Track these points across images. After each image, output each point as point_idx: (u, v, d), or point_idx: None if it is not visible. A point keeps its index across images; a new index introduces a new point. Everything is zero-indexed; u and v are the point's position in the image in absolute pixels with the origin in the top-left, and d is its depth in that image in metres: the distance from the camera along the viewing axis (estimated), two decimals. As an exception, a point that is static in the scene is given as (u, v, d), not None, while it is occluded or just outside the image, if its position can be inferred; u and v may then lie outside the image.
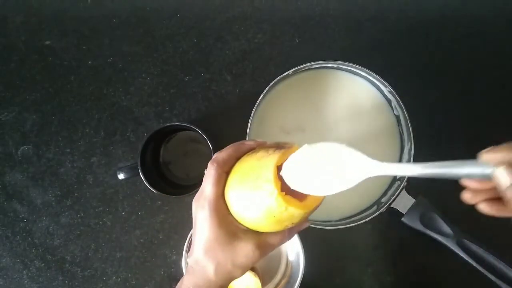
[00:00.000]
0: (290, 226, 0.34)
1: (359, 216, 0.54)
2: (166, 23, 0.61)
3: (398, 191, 0.52)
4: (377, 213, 0.52)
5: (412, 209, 0.53)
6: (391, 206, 0.53)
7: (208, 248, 0.34)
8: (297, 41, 0.61)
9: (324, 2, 0.61)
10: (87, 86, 0.61)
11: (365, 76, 0.54)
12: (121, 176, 0.53)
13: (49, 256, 0.59)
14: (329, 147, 0.33)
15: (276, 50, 0.60)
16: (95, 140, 0.60)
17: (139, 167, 0.51)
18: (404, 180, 0.52)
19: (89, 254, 0.59)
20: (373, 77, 0.53)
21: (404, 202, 0.53)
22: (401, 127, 0.55)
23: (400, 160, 0.56)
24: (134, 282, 0.59)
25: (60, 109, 0.60)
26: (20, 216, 0.60)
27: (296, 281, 0.53)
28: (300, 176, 0.32)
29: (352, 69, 0.54)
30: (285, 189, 0.32)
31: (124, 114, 0.60)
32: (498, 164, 0.27)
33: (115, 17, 0.61)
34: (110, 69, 0.61)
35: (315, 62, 0.52)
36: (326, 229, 0.52)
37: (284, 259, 0.58)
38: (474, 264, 0.50)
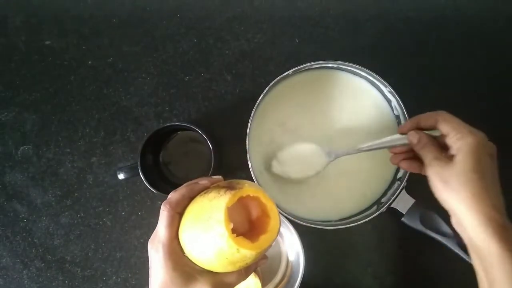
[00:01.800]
0: (244, 266, 0.34)
1: (359, 216, 0.54)
2: (166, 23, 0.61)
3: (398, 191, 0.52)
4: (377, 213, 0.52)
5: (412, 209, 0.53)
6: (391, 206, 0.53)
7: None
8: (297, 41, 0.61)
9: (324, 2, 0.61)
10: (87, 86, 0.61)
11: (365, 76, 0.54)
12: (121, 176, 0.53)
13: (49, 256, 0.59)
14: (301, 146, 0.52)
15: (276, 50, 0.60)
16: (95, 140, 0.60)
17: (139, 167, 0.51)
18: (404, 180, 0.52)
19: (89, 254, 0.59)
20: (373, 77, 0.53)
21: (404, 202, 0.53)
22: (401, 127, 0.55)
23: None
24: (134, 282, 0.59)
25: (60, 109, 0.60)
26: (20, 216, 0.60)
27: (296, 281, 0.53)
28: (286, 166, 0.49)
29: (352, 69, 0.54)
30: (237, 230, 0.32)
31: (124, 114, 0.60)
32: (408, 132, 0.43)
33: (115, 17, 0.61)
34: (110, 69, 0.61)
35: (315, 62, 0.52)
36: (326, 229, 0.52)
37: (284, 259, 0.58)
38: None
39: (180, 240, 0.35)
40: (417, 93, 0.58)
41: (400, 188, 0.52)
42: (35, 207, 0.60)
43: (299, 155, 0.52)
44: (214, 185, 0.37)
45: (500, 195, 0.37)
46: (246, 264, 0.34)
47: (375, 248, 0.59)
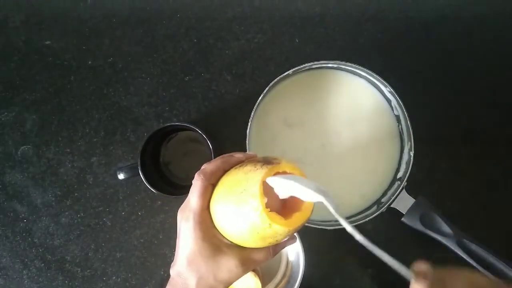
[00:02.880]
0: (274, 243, 0.34)
1: (359, 216, 0.54)
2: (166, 23, 0.61)
3: (398, 191, 0.52)
4: (377, 213, 0.52)
5: (412, 209, 0.53)
6: (391, 206, 0.53)
7: (191, 261, 0.34)
8: (297, 41, 0.61)
9: (324, 2, 0.61)
10: (87, 86, 0.61)
11: (365, 76, 0.54)
12: (121, 176, 0.53)
13: (49, 256, 0.59)
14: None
15: (276, 50, 0.60)
16: (95, 140, 0.60)
17: (139, 167, 0.51)
18: (404, 180, 0.52)
19: (89, 254, 0.59)
20: (373, 77, 0.53)
21: (404, 202, 0.53)
22: (401, 127, 0.55)
23: (400, 160, 0.56)
24: (134, 282, 0.59)
25: (60, 109, 0.60)
26: (20, 216, 0.60)
27: (296, 281, 0.53)
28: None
29: (352, 69, 0.54)
30: (270, 206, 0.32)
31: (124, 114, 0.60)
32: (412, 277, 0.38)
33: (115, 17, 0.61)
34: (110, 69, 0.61)
35: (315, 62, 0.52)
36: (326, 229, 0.52)
37: (284, 259, 0.58)
38: (474, 264, 0.50)
39: (211, 212, 0.35)
40: (417, 93, 0.59)
41: (400, 188, 0.52)
42: (35, 207, 0.60)
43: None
44: (249, 159, 0.36)
45: None
46: (277, 241, 0.33)
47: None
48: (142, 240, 0.59)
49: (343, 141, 0.56)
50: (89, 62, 0.61)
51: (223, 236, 0.35)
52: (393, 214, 0.54)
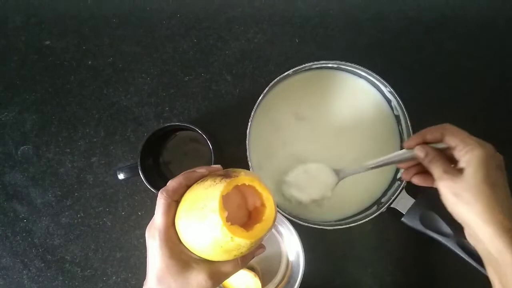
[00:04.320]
0: (240, 255, 0.34)
1: (359, 216, 0.54)
2: (166, 23, 0.61)
3: (398, 191, 0.52)
4: (377, 213, 0.52)
5: (412, 209, 0.53)
6: (391, 206, 0.53)
7: (160, 278, 0.34)
8: (297, 41, 0.61)
9: (324, 2, 0.61)
10: (87, 86, 0.61)
11: (365, 76, 0.54)
12: (121, 176, 0.53)
13: (49, 256, 0.59)
14: (309, 167, 0.52)
15: (276, 50, 0.60)
16: (95, 140, 0.60)
17: (139, 167, 0.51)
18: (404, 180, 0.52)
19: (89, 254, 0.59)
20: (373, 77, 0.53)
21: (404, 202, 0.53)
22: (401, 127, 0.55)
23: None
24: (134, 282, 0.59)
25: (60, 109, 0.60)
26: (20, 216, 0.60)
27: (296, 281, 0.53)
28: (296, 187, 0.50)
29: (352, 69, 0.54)
30: (232, 218, 0.32)
31: (124, 114, 0.60)
32: (415, 147, 0.42)
33: (115, 17, 0.61)
34: (110, 69, 0.61)
35: (315, 62, 0.52)
36: (326, 229, 0.52)
37: (284, 259, 0.58)
38: (474, 264, 0.50)
39: (177, 228, 0.35)
40: (417, 93, 0.59)
41: (400, 188, 0.52)
42: (35, 207, 0.60)
43: (307, 177, 0.51)
44: (211, 173, 0.36)
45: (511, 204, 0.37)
46: (242, 253, 0.34)
47: (375, 248, 0.59)
48: (142, 240, 0.59)
49: (343, 141, 0.56)
50: (89, 62, 0.61)
51: (191, 252, 0.35)
52: (393, 214, 0.54)
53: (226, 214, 0.32)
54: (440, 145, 0.41)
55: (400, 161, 0.45)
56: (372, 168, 0.47)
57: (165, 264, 0.34)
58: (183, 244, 0.35)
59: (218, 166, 0.38)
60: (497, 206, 0.35)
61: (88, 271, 0.59)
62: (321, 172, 0.51)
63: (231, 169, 0.36)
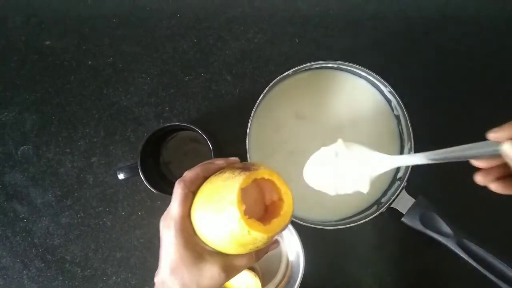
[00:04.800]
0: (255, 249, 0.34)
1: (359, 216, 0.54)
2: (166, 23, 0.61)
3: (398, 191, 0.52)
4: (377, 213, 0.52)
5: (412, 209, 0.53)
6: (391, 206, 0.53)
7: (174, 269, 0.34)
8: (297, 41, 0.61)
9: (324, 2, 0.61)
10: (87, 86, 0.61)
11: (365, 76, 0.54)
12: (121, 176, 0.53)
13: (49, 256, 0.59)
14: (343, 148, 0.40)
15: (276, 50, 0.60)
16: (95, 140, 0.60)
17: (139, 167, 0.51)
18: (404, 180, 0.52)
19: (89, 254, 0.59)
20: (373, 77, 0.53)
21: (404, 202, 0.53)
22: (401, 127, 0.55)
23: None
24: (134, 282, 0.59)
25: (60, 109, 0.60)
26: (20, 216, 0.60)
27: (296, 281, 0.53)
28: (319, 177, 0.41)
29: (352, 69, 0.54)
30: (250, 212, 0.32)
31: (124, 114, 0.60)
32: (505, 140, 0.28)
33: (115, 17, 0.61)
34: (110, 69, 0.61)
35: (315, 62, 0.52)
36: (326, 229, 0.52)
37: (284, 259, 0.58)
38: (474, 264, 0.50)
39: (192, 220, 0.35)
40: (417, 93, 0.59)
41: (400, 188, 0.52)
42: (35, 207, 0.60)
43: (343, 162, 0.40)
44: (229, 166, 0.36)
45: None
46: (257, 247, 0.33)
47: (375, 248, 0.59)
48: (142, 240, 0.59)
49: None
50: (89, 62, 0.61)
51: (205, 244, 0.35)
52: (393, 214, 0.54)
53: (244, 207, 0.31)
54: None
55: (478, 156, 0.32)
56: (437, 161, 0.35)
57: (179, 254, 0.34)
58: (198, 236, 0.35)
59: (236, 158, 0.37)
60: None
61: (88, 271, 0.59)
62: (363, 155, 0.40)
63: (249, 162, 0.36)
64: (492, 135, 0.30)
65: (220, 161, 0.37)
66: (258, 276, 0.55)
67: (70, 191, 0.60)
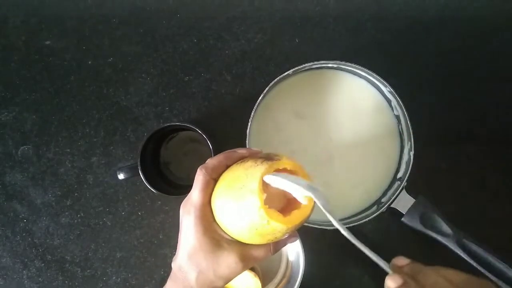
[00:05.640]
0: (273, 240, 0.34)
1: (359, 216, 0.54)
2: (166, 23, 0.61)
3: (398, 191, 0.52)
4: (377, 213, 0.52)
5: (412, 209, 0.53)
6: (391, 206, 0.53)
7: (192, 255, 0.34)
8: (297, 41, 0.61)
9: (324, 2, 0.61)
10: (87, 86, 0.61)
11: (365, 76, 0.54)
12: (121, 176, 0.53)
13: (49, 256, 0.59)
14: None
15: (276, 50, 0.60)
16: (95, 140, 0.60)
17: (139, 167, 0.51)
18: (404, 180, 0.52)
19: (89, 254, 0.59)
20: (373, 77, 0.53)
21: (404, 202, 0.53)
22: (401, 127, 0.55)
23: (400, 160, 0.56)
24: (134, 282, 0.59)
25: (60, 109, 0.60)
26: (20, 216, 0.60)
27: (296, 281, 0.53)
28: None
29: (352, 69, 0.54)
30: (270, 202, 0.31)
31: (124, 114, 0.60)
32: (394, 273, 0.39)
33: (115, 17, 0.61)
34: (110, 69, 0.61)
35: (315, 62, 0.52)
36: (326, 229, 0.52)
37: (284, 259, 0.58)
38: (474, 264, 0.50)
39: (212, 207, 0.35)
40: (417, 93, 0.59)
41: (400, 188, 0.52)
42: (35, 207, 0.60)
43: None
44: (252, 155, 0.36)
45: None
46: (276, 238, 0.33)
47: (375, 248, 0.59)
48: (142, 240, 0.59)
49: (343, 141, 0.56)
50: (89, 62, 0.61)
51: (224, 232, 0.35)
52: (393, 214, 0.54)
53: (265, 196, 0.31)
54: None
55: (378, 264, 0.43)
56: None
57: (197, 241, 0.34)
58: (217, 224, 0.35)
59: (258, 149, 0.37)
60: None
61: (88, 271, 0.59)
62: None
63: (272, 153, 0.36)
64: (392, 265, 0.43)
65: (242, 150, 0.36)
66: (258, 276, 0.55)
67: (70, 191, 0.60)
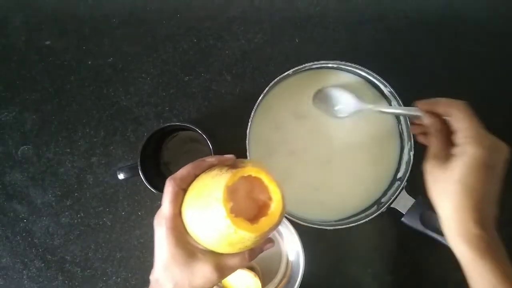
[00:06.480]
0: (244, 248, 0.33)
1: (359, 216, 0.54)
2: (166, 23, 0.61)
3: (398, 191, 0.52)
4: (377, 213, 0.52)
5: (412, 209, 0.53)
6: (391, 206, 0.53)
7: (167, 267, 0.34)
8: (297, 41, 0.61)
9: (324, 2, 0.61)
10: (87, 86, 0.61)
11: (365, 76, 0.54)
12: (121, 176, 0.53)
13: (49, 256, 0.59)
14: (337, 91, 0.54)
15: (276, 50, 0.60)
16: (95, 140, 0.60)
17: (139, 167, 0.51)
18: (404, 180, 0.52)
19: (89, 254, 0.59)
20: (373, 77, 0.53)
21: (404, 202, 0.53)
22: (401, 127, 0.55)
23: (400, 160, 0.56)
24: (134, 282, 0.59)
25: (60, 109, 0.60)
26: (20, 216, 0.60)
27: (296, 281, 0.53)
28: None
29: (352, 69, 0.54)
30: (238, 210, 0.31)
31: (124, 114, 0.60)
32: (425, 111, 0.42)
33: (115, 17, 0.61)
34: (110, 69, 0.61)
35: (315, 62, 0.52)
36: (326, 229, 0.52)
37: (284, 259, 0.58)
38: (474, 264, 0.50)
39: (183, 218, 0.34)
40: (417, 93, 0.58)
41: (400, 188, 0.52)
42: (35, 207, 0.60)
43: (334, 96, 0.54)
44: (220, 163, 0.36)
45: (490, 208, 0.36)
46: (246, 246, 0.33)
47: (375, 248, 0.59)
48: (142, 240, 0.59)
49: (343, 141, 0.56)
50: (89, 62, 0.61)
51: (197, 242, 0.34)
52: (393, 214, 0.54)
53: (230, 205, 0.31)
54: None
55: (409, 115, 0.48)
56: (382, 112, 0.51)
57: (171, 253, 0.34)
58: (189, 234, 0.34)
59: (231, 156, 0.37)
60: (466, 208, 0.35)
61: (88, 271, 0.59)
62: (346, 97, 0.53)
63: (240, 159, 0.35)
64: (418, 104, 0.43)
65: (211, 159, 0.36)
66: (258, 276, 0.55)
67: (70, 191, 0.60)
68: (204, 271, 0.34)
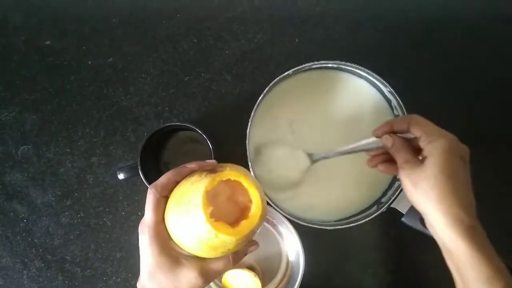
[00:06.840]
0: (227, 252, 0.34)
1: (359, 216, 0.54)
2: (166, 23, 0.61)
3: (398, 191, 0.52)
4: (377, 213, 0.52)
5: (412, 209, 0.53)
6: (391, 206, 0.53)
7: (152, 275, 0.34)
8: (297, 41, 0.61)
9: (324, 2, 0.61)
10: (87, 86, 0.61)
11: (365, 76, 0.54)
12: (121, 176, 0.53)
13: (49, 256, 0.59)
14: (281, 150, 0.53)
15: (276, 50, 0.60)
16: (95, 140, 0.60)
17: (139, 167, 0.51)
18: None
19: (89, 254, 0.59)
20: (373, 77, 0.53)
21: (404, 202, 0.53)
22: (401, 127, 0.55)
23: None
24: (134, 282, 0.59)
25: (60, 109, 0.60)
26: (20, 216, 0.60)
27: (296, 281, 0.53)
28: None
29: (352, 69, 0.54)
30: (218, 214, 0.31)
31: (124, 114, 0.60)
32: (382, 135, 0.43)
33: (115, 17, 0.61)
34: (110, 69, 0.61)
35: (315, 62, 0.52)
36: (326, 229, 0.52)
37: (284, 259, 0.58)
38: (474, 264, 0.50)
39: (166, 224, 0.35)
40: (417, 93, 0.59)
41: (400, 188, 0.52)
42: (35, 207, 0.60)
43: (280, 158, 0.52)
44: (200, 169, 0.36)
45: (470, 196, 0.37)
46: (229, 250, 0.33)
47: (375, 248, 0.59)
48: (142, 240, 0.59)
49: (343, 141, 0.56)
50: (89, 62, 0.61)
51: (180, 248, 0.35)
52: (393, 214, 0.54)
53: (210, 209, 0.31)
54: (409, 135, 0.42)
55: (368, 149, 0.46)
56: (342, 154, 0.48)
57: (155, 260, 0.34)
58: (173, 240, 0.35)
59: (212, 161, 0.37)
60: (452, 196, 0.36)
61: (88, 271, 0.59)
62: (293, 155, 0.52)
63: (220, 164, 0.36)
64: (374, 133, 0.44)
65: (192, 165, 0.37)
66: (258, 276, 0.55)
67: (70, 191, 0.60)
68: (188, 277, 0.34)
